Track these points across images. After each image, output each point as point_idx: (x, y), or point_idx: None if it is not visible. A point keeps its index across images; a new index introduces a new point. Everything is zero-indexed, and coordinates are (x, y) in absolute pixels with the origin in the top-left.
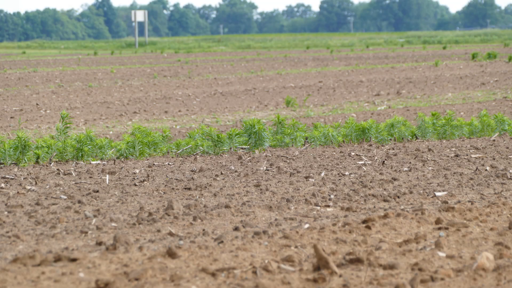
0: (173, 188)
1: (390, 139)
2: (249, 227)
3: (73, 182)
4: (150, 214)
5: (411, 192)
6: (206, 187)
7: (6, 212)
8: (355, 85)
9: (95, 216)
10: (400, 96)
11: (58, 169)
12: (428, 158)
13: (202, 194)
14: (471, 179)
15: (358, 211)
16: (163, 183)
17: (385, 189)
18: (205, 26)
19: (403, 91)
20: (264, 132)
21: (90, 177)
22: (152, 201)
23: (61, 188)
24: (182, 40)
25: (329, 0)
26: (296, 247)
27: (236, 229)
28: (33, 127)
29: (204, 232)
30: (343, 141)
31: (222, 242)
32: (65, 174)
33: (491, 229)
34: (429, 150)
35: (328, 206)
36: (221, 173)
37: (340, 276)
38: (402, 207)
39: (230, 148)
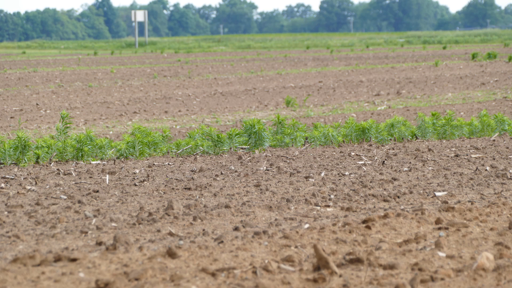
0: (173, 188)
1: (390, 139)
2: (249, 227)
3: (73, 182)
4: (150, 214)
5: (411, 192)
6: (206, 187)
7: (6, 212)
8: (355, 85)
9: (95, 216)
10: (400, 96)
11: (58, 169)
12: (428, 158)
13: (202, 194)
14: (471, 179)
15: (358, 211)
16: (163, 183)
17: (385, 189)
18: (205, 26)
19: (403, 91)
20: (264, 132)
21: (90, 177)
22: (152, 201)
23: (61, 188)
24: (182, 40)
25: (329, 0)
26: (296, 247)
27: (236, 229)
28: (33, 127)
29: (204, 232)
30: (343, 141)
31: (222, 242)
32: (65, 174)
33: (491, 229)
34: (429, 150)
35: (328, 206)
36: (221, 173)
37: (340, 276)
38: (402, 207)
39: (230, 148)
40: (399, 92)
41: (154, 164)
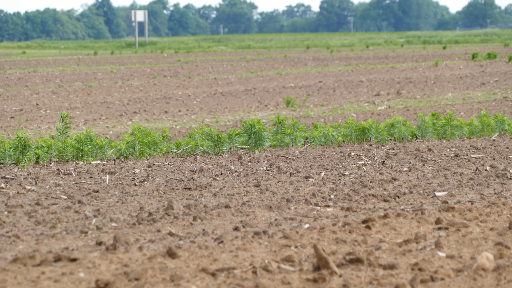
0: (173, 188)
1: (390, 139)
2: (249, 227)
3: (73, 182)
4: (150, 214)
5: (411, 192)
6: (206, 187)
7: (6, 212)
8: (355, 85)
9: (95, 216)
10: (400, 96)
11: (58, 169)
12: (428, 158)
13: (202, 194)
14: (471, 179)
15: (358, 211)
16: (163, 183)
17: (385, 189)
18: (205, 26)
19: (403, 91)
20: (264, 132)
21: (90, 177)
22: (152, 201)
23: (61, 188)
24: (182, 40)
25: (329, 0)
26: (296, 247)
27: (236, 229)
28: (33, 127)
29: (204, 232)
30: (343, 141)
31: (222, 242)
32: (65, 174)
33: (491, 229)
34: (429, 150)
35: (328, 206)
36: (221, 173)
37: (340, 276)
38: (402, 207)
39: (230, 148)
40: (399, 92)
41: (154, 164)
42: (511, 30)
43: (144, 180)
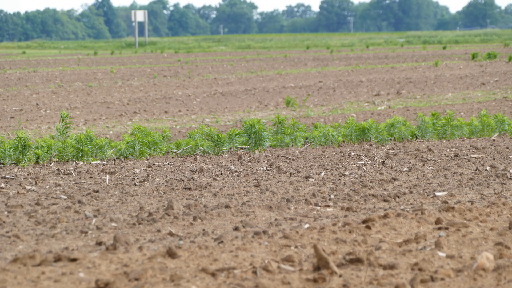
0: (173, 188)
1: (390, 139)
2: (249, 227)
3: (73, 182)
4: (150, 214)
5: (411, 192)
6: (206, 187)
7: (6, 212)
8: (355, 85)
9: (95, 216)
10: (400, 96)
11: (58, 169)
12: (428, 158)
13: (202, 194)
14: (471, 179)
15: (358, 211)
16: (163, 183)
17: (385, 189)
18: (205, 26)
19: (403, 91)
20: (264, 132)
21: (90, 177)
22: (152, 201)
23: (61, 188)
24: (182, 40)
25: (329, 0)
26: (296, 247)
27: (236, 229)
28: (33, 127)
29: (204, 232)
30: (343, 141)
31: (222, 242)
32: (65, 174)
33: (491, 229)
34: (429, 150)
35: (328, 206)
36: (221, 173)
37: (340, 276)
38: (402, 207)
39: (230, 148)
40: (399, 92)
41: (154, 164)
42: (511, 30)
43: (144, 180)
